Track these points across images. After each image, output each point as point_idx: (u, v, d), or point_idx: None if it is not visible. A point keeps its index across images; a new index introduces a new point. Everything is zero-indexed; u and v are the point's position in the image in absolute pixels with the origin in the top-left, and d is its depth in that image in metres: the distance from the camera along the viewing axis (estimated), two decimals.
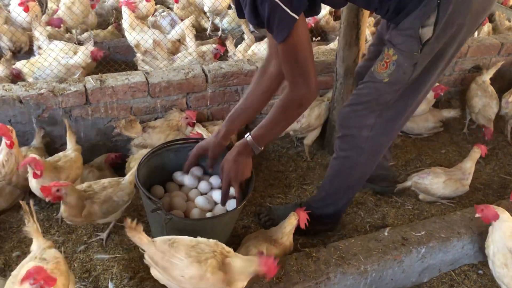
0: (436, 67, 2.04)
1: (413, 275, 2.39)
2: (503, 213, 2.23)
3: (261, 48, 3.74)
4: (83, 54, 3.26)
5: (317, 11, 1.98)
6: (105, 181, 2.36)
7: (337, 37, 3.04)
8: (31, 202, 1.87)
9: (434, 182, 2.77)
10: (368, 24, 4.18)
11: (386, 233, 2.37)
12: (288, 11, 1.70)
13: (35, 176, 2.28)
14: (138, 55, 3.50)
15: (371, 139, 2.19)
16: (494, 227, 2.24)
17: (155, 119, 2.95)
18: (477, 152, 2.78)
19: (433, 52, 1.97)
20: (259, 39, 4.16)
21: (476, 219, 2.46)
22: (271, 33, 1.82)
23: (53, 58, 3.13)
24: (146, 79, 2.84)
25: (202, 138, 2.55)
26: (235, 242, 2.41)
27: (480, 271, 2.51)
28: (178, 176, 2.45)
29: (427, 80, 2.08)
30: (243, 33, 4.07)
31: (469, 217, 2.47)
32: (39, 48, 3.44)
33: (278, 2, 1.68)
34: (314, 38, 4.22)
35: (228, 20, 4.40)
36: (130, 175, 2.40)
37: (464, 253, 2.46)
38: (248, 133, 2.11)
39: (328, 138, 3.30)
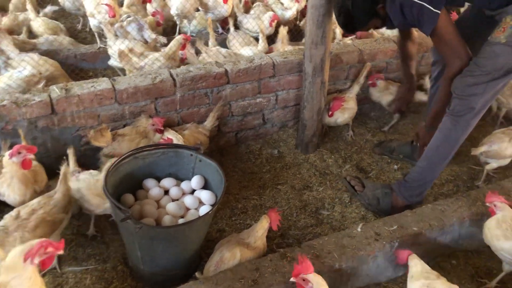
0: None
1: (388, 270, 2.41)
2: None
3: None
4: (31, 65, 3.17)
5: (460, 2, 2.54)
6: (35, 201, 2.20)
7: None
8: None
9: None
10: (337, 24, 4.20)
11: (359, 229, 2.38)
12: (432, 8, 2.24)
13: (25, 166, 2.26)
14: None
15: (482, 99, 2.41)
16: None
17: (124, 126, 2.90)
18: None
19: None
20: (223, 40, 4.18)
21: (447, 211, 2.51)
22: (420, 29, 2.38)
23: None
24: (113, 85, 2.79)
25: (173, 144, 2.52)
26: (210, 246, 2.39)
27: (454, 261, 2.55)
28: (148, 183, 2.42)
29: None
30: None
31: (440, 209, 2.51)
32: (6, 62, 3.32)
33: (423, 3, 2.24)
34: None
35: (194, 23, 4.37)
36: (61, 185, 2.24)
37: (437, 244, 2.49)
38: (423, 122, 2.86)
39: (300, 137, 3.31)
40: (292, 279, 1.86)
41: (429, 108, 3.04)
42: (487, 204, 2.32)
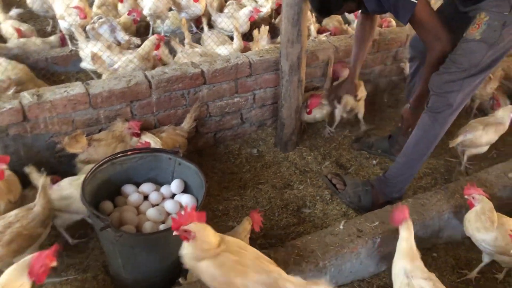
0: None
1: (371, 265, 2.43)
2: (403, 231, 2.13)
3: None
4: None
5: None
6: (12, 214, 2.09)
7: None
8: None
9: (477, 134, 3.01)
10: (312, 21, 4.21)
11: (341, 227, 2.38)
12: None
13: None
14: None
15: (459, 96, 2.42)
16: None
17: (100, 130, 2.84)
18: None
19: None
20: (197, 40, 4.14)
21: (427, 204, 2.54)
22: (397, 17, 2.38)
23: None
24: (86, 90, 2.73)
25: (151, 148, 2.48)
26: None
27: (434, 254, 2.59)
28: (127, 189, 2.37)
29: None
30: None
31: (420, 203, 2.54)
32: None
33: None
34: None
35: (168, 23, 4.31)
36: (40, 197, 2.13)
37: (418, 238, 2.50)
38: (407, 104, 2.81)
39: (279, 135, 3.30)
40: (174, 233, 1.77)
41: (409, 97, 3.05)
42: (466, 196, 2.36)
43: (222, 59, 3.13)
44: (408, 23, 2.39)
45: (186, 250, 1.76)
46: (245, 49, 3.87)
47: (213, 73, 3.03)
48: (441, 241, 2.62)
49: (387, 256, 2.43)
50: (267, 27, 3.97)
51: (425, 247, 2.58)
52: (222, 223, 2.68)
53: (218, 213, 2.75)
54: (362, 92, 3.39)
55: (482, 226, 2.26)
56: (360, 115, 3.47)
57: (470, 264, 2.52)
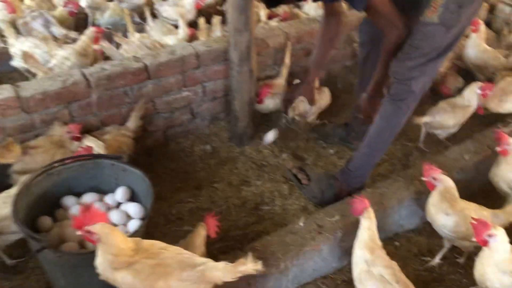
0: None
1: (334, 261, 2.35)
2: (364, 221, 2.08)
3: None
4: None
5: None
6: None
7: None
8: None
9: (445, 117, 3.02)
10: (261, 6, 4.05)
11: (301, 224, 2.29)
12: None
13: None
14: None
15: (421, 82, 2.37)
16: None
17: (36, 136, 2.60)
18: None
19: None
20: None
21: (387, 193, 2.48)
22: (351, 5, 2.30)
23: None
24: (17, 93, 2.48)
25: (90, 155, 2.28)
26: None
27: (397, 243, 2.54)
28: (67, 201, 2.16)
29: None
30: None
31: (379, 193, 2.48)
32: None
33: None
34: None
35: (106, 16, 4.02)
36: None
37: (379, 228, 2.42)
38: (364, 93, 2.66)
39: (233, 129, 3.16)
40: (78, 232, 1.66)
41: (359, 86, 2.97)
42: (425, 179, 2.30)
43: (167, 51, 2.94)
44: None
45: (98, 259, 1.65)
46: (192, 37, 3.68)
47: (157, 66, 2.84)
48: (402, 229, 2.59)
49: (350, 250, 2.35)
50: (219, 17, 3.78)
51: (387, 236, 2.54)
52: (176, 228, 2.53)
53: (171, 218, 2.59)
54: (323, 100, 3.22)
55: (449, 205, 2.21)
56: (310, 119, 3.23)
57: (433, 251, 2.49)
